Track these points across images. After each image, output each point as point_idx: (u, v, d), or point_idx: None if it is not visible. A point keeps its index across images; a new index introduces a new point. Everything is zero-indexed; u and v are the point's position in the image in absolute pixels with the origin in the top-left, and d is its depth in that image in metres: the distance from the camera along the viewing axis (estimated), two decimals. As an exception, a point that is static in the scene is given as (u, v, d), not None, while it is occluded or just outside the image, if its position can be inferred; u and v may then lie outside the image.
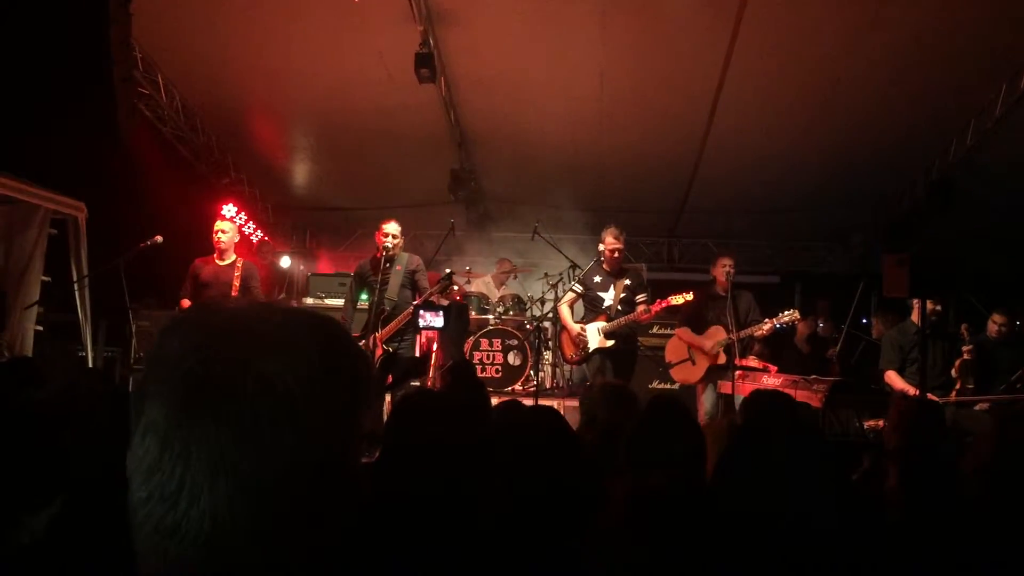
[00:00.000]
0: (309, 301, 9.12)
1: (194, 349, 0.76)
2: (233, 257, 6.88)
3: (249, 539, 0.73)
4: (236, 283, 6.70)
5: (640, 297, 6.62)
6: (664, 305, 6.50)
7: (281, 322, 0.80)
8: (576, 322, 6.83)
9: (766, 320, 6.51)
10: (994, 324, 6.66)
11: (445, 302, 8.88)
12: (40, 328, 7.25)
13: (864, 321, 9.04)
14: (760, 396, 3.14)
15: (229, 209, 9.57)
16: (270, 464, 0.74)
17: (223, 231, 6.84)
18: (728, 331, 6.52)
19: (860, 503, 2.68)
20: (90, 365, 7.21)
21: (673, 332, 8.32)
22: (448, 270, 6.53)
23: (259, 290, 7.02)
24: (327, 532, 0.78)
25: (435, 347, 8.52)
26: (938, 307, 6.29)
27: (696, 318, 6.87)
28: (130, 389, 5.35)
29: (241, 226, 9.95)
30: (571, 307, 6.91)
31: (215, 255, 6.86)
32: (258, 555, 0.74)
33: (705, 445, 2.50)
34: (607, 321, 6.57)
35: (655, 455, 2.32)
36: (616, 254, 6.66)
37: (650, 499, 1.27)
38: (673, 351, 7.08)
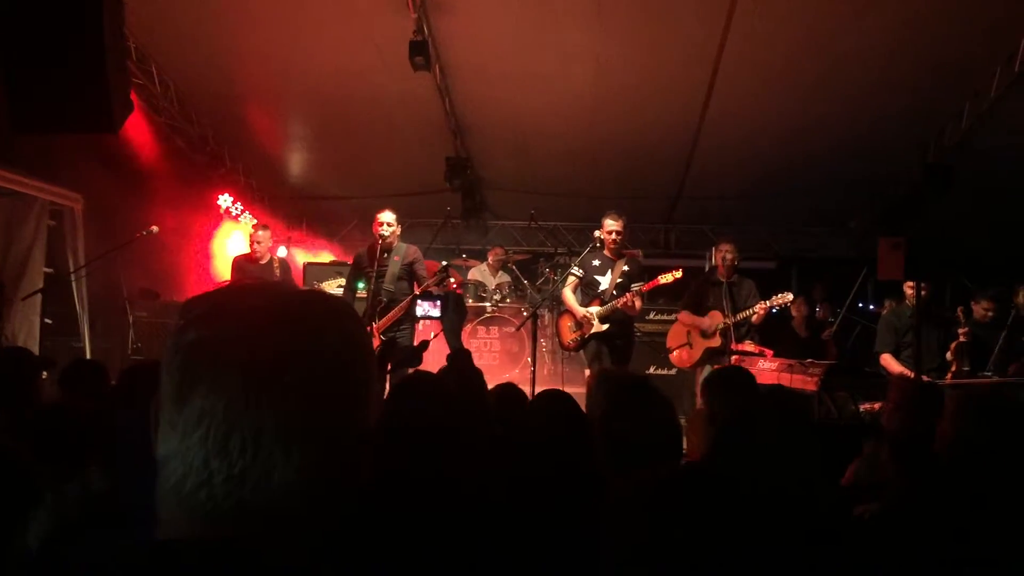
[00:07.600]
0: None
1: (256, 336, 0.80)
2: (270, 257, 7.44)
3: (308, 505, 0.79)
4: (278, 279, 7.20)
5: (636, 286, 6.55)
6: (652, 285, 6.48)
7: (325, 307, 0.87)
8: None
9: (760, 303, 6.46)
10: (981, 309, 6.65)
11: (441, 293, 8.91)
12: (49, 321, 7.26)
13: (860, 305, 9.06)
14: (718, 376, 3.17)
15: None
16: (334, 434, 0.81)
17: (259, 241, 7.36)
18: (725, 316, 6.52)
19: (856, 485, 2.70)
20: (87, 356, 7.21)
21: (671, 317, 8.36)
22: (444, 262, 6.54)
23: (294, 283, 7.56)
24: (353, 495, 0.85)
25: (432, 336, 8.52)
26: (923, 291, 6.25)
27: (697, 304, 6.88)
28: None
29: (237, 216, 9.95)
30: (574, 291, 6.90)
31: (251, 255, 7.39)
32: (310, 518, 0.80)
33: (679, 428, 2.49)
34: (601, 305, 6.56)
35: (634, 440, 2.32)
36: (615, 237, 6.65)
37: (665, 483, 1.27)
38: (674, 336, 7.11)
